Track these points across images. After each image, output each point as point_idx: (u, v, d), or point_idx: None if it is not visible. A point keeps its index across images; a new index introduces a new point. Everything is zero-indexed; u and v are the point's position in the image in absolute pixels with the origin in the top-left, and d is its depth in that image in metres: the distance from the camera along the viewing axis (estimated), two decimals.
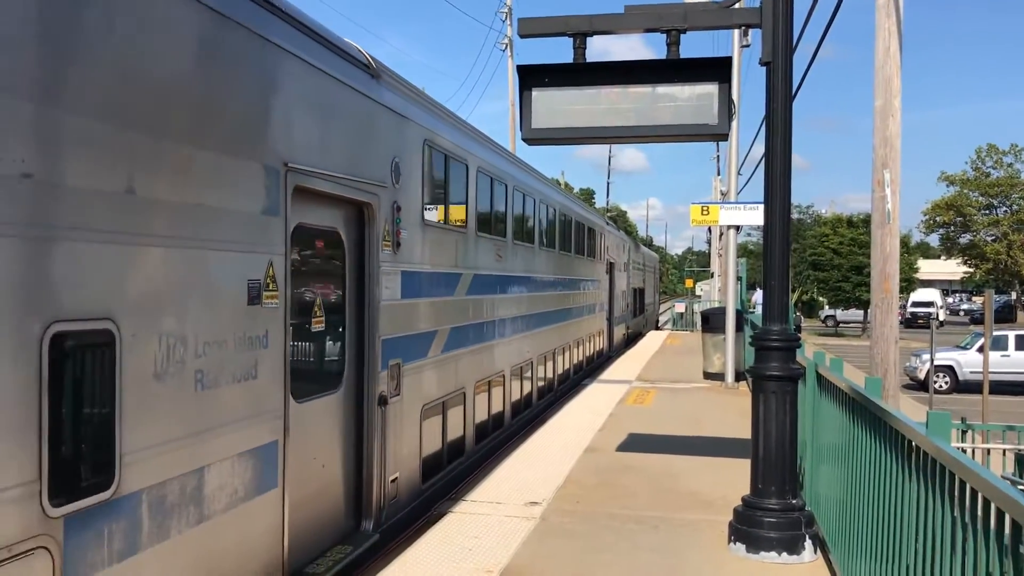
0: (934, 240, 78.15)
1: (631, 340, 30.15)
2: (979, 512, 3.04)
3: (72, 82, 3.90)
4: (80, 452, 3.94)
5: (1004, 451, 10.20)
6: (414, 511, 8.05)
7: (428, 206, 8.70)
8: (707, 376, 17.99)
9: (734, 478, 8.28)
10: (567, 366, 17.26)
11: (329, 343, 6.81)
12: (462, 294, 9.86)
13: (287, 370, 5.73)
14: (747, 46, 6.69)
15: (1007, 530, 2.79)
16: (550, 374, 15.53)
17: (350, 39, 6.81)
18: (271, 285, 5.54)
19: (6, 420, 3.49)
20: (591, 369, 20.23)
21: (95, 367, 4.04)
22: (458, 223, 9.97)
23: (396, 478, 7.67)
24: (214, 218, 4.95)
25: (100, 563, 3.97)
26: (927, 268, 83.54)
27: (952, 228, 70.27)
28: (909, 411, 9.50)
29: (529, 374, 13.76)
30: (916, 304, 64.21)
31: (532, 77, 6.96)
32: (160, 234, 4.45)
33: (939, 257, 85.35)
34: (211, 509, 4.92)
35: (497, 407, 11.72)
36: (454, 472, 9.56)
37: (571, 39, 6.88)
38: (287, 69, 5.83)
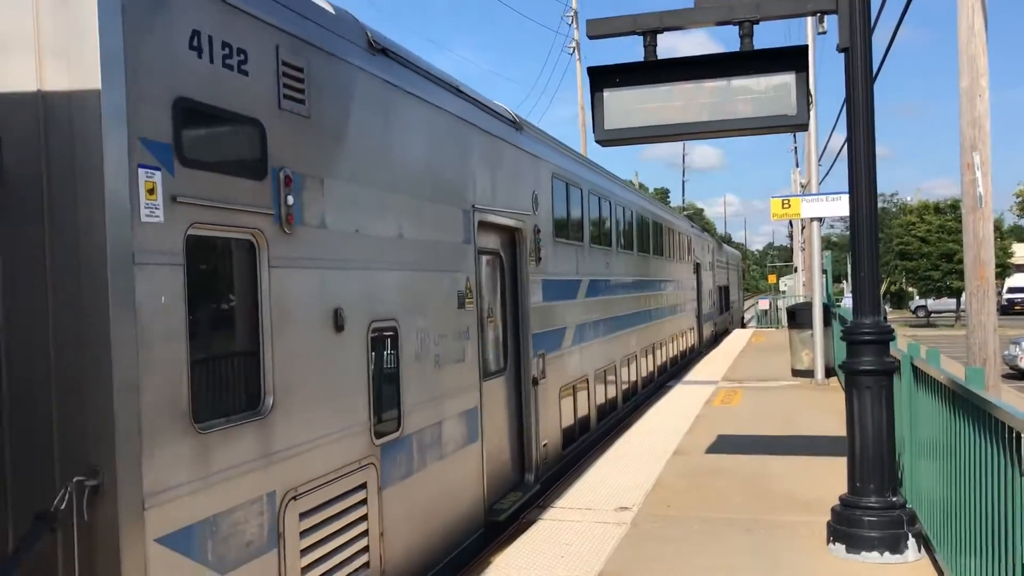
0: None
1: (718, 336, 30.87)
2: None
3: (395, 177, 6.22)
4: (386, 407, 5.93)
5: None
6: (558, 471, 9.80)
7: (556, 225, 10.51)
8: (795, 373, 17.60)
9: (829, 478, 8.06)
10: (664, 359, 18.60)
11: (498, 337, 8.67)
12: (582, 297, 11.64)
13: (480, 356, 7.78)
14: (823, 33, 6.48)
15: None
16: (651, 366, 16.97)
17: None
18: (469, 294, 7.55)
19: (355, 384, 5.53)
20: (685, 363, 21.27)
21: (388, 351, 6.01)
22: (576, 238, 11.63)
23: (546, 443, 9.54)
24: (440, 250, 7.01)
25: (397, 477, 6.04)
26: (1022, 253, 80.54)
27: None
28: (1013, 401, 9.09)
29: (636, 365, 15.30)
30: (1012, 290, 61.83)
31: (603, 78, 6.91)
32: (415, 264, 6.52)
33: None
34: (445, 451, 6.91)
35: (612, 392, 13.30)
36: (583, 444, 11.22)
37: (641, 38, 6.81)
38: (475, 138, 7.88)
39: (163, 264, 3.89)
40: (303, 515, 4.84)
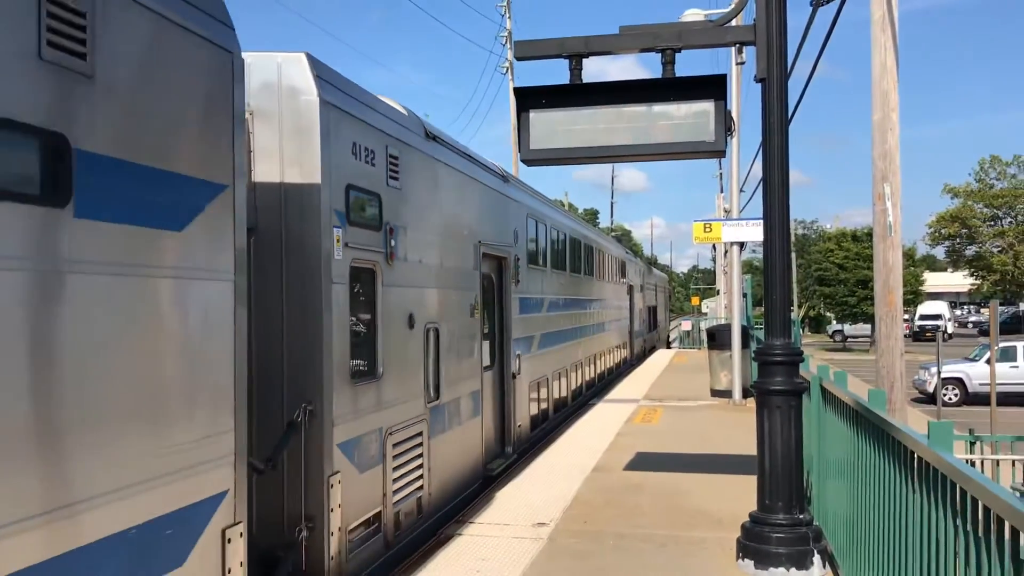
0: (940, 253, 78.03)
1: (647, 352, 34.10)
2: (980, 521, 3.04)
3: (438, 223, 8.69)
4: (432, 382, 8.32)
5: (1013, 462, 10.14)
6: (527, 448, 12.29)
7: (529, 254, 13.02)
8: (714, 393, 17.96)
9: (742, 495, 8.25)
10: (604, 367, 21.59)
11: (490, 340, 10.93)
12: (544, 311, 14.19)
13: (481, 353, 10.22)
14: (742, 63, 6.71)
15: (1007, 537, 2.79)
16: (594, 372, 19.79)
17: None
18: (476, 307, 9.98)
19: (419, 364, 7.98)
20: (619, 372, 24.27)
21: (433, 344, 8.40)
22: (541, 264, 14.23)
23: (520, 425, 12.08)
24: (460, 275, 9.43)
25: (437, 432, 8.48)
26: (934, 281, 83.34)
27: (958, 240, 70.09)
28: (916, 424, 9.39)
29: (582, 370, 18.06)
30: (924, 317, 64.01)
31: (529, 99, 7.02)
32: (449, 284, 8.98)
33: (946, 270, 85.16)
34: (463, 419, 9.43)
35: (565, 390, 15.91)
36: (545, 429, 13.79)
37: (567, 61, 6.94)
38: (480, 191, 10.41)
39: (341, 284, 6.42)
40: (394, 445, 7.34)
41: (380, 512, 7.03)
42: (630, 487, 9.40)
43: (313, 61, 6.28)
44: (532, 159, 7.06)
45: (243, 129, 5.03)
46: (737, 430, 13.16)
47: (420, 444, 7.95)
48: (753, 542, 6.44)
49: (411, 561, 7.12)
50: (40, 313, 3.40)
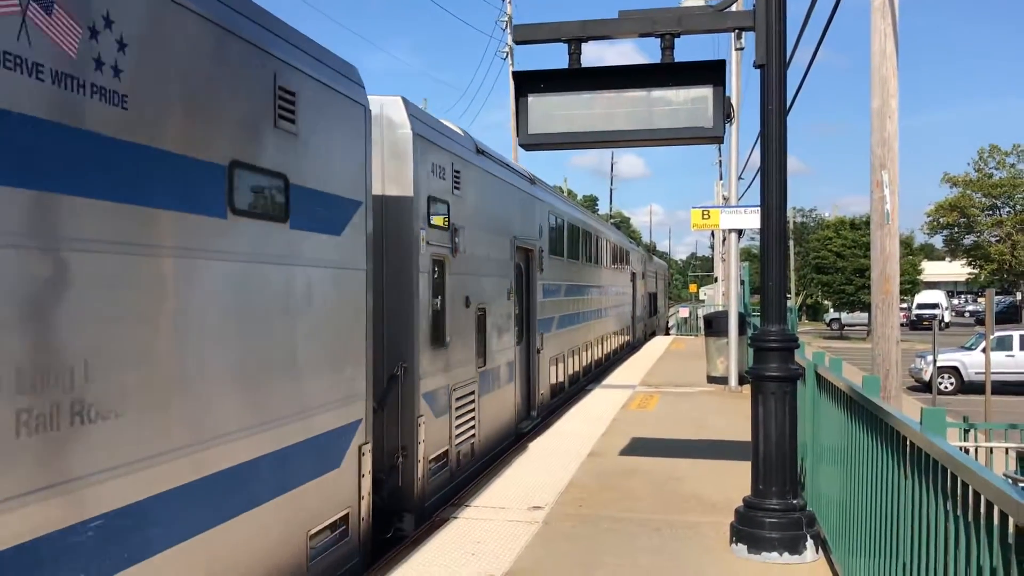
0: (938, 242, 78.06)
1: (648, 336, 36.06)
2: (971, 506, 3.06)
3: (486, 222, 10.67)
4: (480, 351, 10.23)
5: (1007, 449, 10.19)
6: (547, 414, 14.12)
7: (550, 246, 15.01)
8: (711, 380, 18.00)
9: (737, 480, 8.30)
10: (611, 347, 23.65)
11: (519, 320, 12.65)
12: (562, 296, 16.16)
13: (514, 329, 12.07)
14: (741, 49, 6.69)
15: (996, 522, 2.81)
16: (603, 351, 21.90)
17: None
18: (511, 291, 11.82)
19: (472, 336, 9.87)
20: (623, 354, 26.08)
21: (482, 322, 10.29)
22: (560, 254, 16.13)
23: (542, 393, 14.04)
24: (500, 264, 11.35)
25: (484, 392, 10.41)
26: (932, 270, 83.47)
27: (956, 229, 70.12)
28: (911, 411, 9.38)
29: (592, 348, 20.07)
30: (921, 306, 64.14)
31: (528, 83, 7.00)
32: (492, 273, 10.86)
33: (943, 259, 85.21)
34: (501, 384, 11.34)
35: (577, 367, 17.85)
36: (560, 398, 15.55)
37: (566, 45, 6.92)
38: (514, 194, 12.42)
39: (425, 273, 8.32)
40: (456, 399, 9.32)
41: (447, 450, 9.07)
42: (625, 472, 9.44)
43: (406, 102, 8.26)
44: (530, 144, 7.05)
45: (369, 158, 6.97)
46: (732, 416, 13.20)
47: (473, 400, 9.98)
48: (747, 527, 6.48)
49: (410, 541, 7.16)
50: (275, 292, 5.47)
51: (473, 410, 9.94)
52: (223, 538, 4.81)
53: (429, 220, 8.39)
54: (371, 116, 6.95)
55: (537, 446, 11.09)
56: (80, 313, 3.75)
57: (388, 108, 8.09)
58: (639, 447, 10.87)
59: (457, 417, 9.33)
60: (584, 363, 18.68)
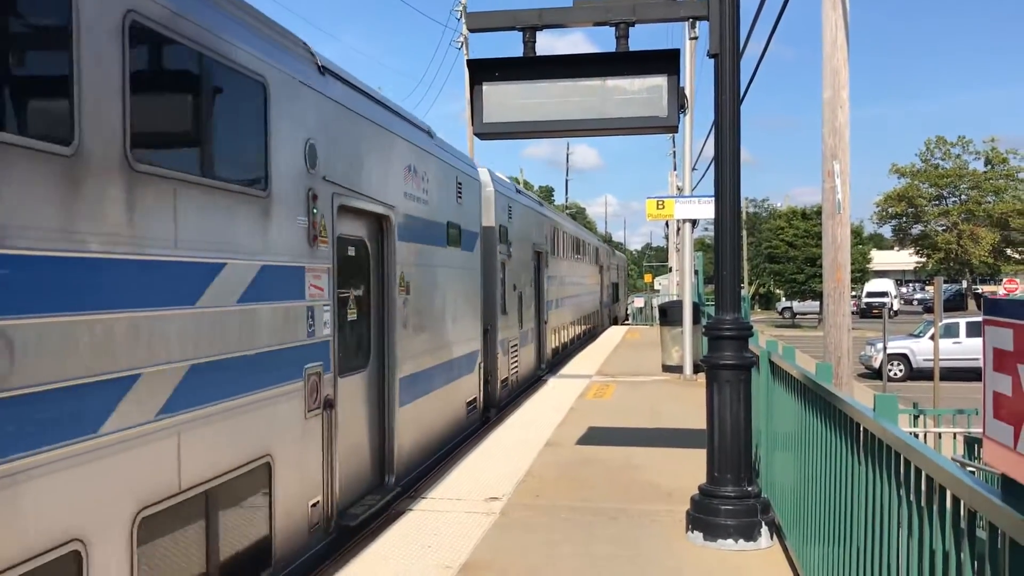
0: (887, 232, 79.44)
1: (613, 319, 42.13)
2: (923, 491, 3.09)
3: (521, 239, 16.73)
4: (519, 320, 15.97)
5: (954, 434, 10.39)
6: (552, 366, 19.64)
7: (552, 248, 20.45)
8: (666, 369, 18.12)
9: (692, 468, 8.33)
10: (588, 325, 29.90)
11: (537, 301, 18.13)
12: (558, 285, 21.85)
13: (534, 306, 17.83)
14: (695, 38, 6.71)
15: (948, 506, 2.84)
16: (583, 327, 28.17)
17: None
18: (532, 281, 17.47)
19: (516, 311, 15.68)
20: (595, 331, 31.81)
21: (520, 301, 16.07)
22: (558, 254, 21.83)
23: (548, 352, 19.71)
24: (527, 263, 17.01)
25: (523, 344, 16.53)
26: (881, 259, 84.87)
27: (904, 219, 71.46)
28: (862, 398, 9.51)
29: (576, 324, 26.27)
30: (870, 294, 65.19)
31: (482, 71, 6.95)
32: (524, 269, 16.51)
33: (892, 248, 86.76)
34: (530, 341, 17.31)
35: (567, 336, 23.83)
36: (556, 358, 20.90)
37: (521, 34, 6.88)
38: (534, 215, 18.29)
39: (501, 271, 14.15)
40: (510, 347, 14.89)
41: (507, 377, 14.63)
42: (582, 461, 9.45)
43: (490, 172, 14.04)
44: (485, 132, 7.00)
45: (480, 207, 12.83)
46: (687, 404, 13.30)
47: (517, 349, 15.66)
48: (702, 514, 6.52)
49: (366, 534, 7.09)
50: (457, 280, 11.16)
51: (517, 356, 15.61)
52: (446, 392, 10.60)
53: (500, 238, 14.09)
54: (480, 184, 12.91)
55: (495, 437, 11.07)
56: (440, 289, 10.27)
57: (482, 175, 13.41)
58: (596, 436, 10.90)
59: (511, 358, 15.02)
60: (571, 335, 24.90)
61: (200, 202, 4.98)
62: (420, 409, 9.30)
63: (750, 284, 69.63)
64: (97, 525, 4.06)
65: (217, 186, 5.20)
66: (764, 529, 6.40)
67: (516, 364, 15.40)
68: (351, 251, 7.54)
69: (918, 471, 3.15)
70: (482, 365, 12.50)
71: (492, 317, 13.33)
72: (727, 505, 6.44)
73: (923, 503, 3.08)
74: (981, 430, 2.62)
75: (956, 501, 2.78)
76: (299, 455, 6.26)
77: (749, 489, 6.52)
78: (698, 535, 6.49)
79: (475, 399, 12.16)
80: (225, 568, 5.27)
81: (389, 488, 8.20)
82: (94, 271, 4.11)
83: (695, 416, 11.54)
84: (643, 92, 6.67)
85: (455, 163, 11.13)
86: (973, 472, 7.85)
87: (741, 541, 6.34)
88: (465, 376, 11.43)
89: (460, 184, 11.15)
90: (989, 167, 68.74)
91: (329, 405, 6.75)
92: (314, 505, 6.53)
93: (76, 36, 3.95)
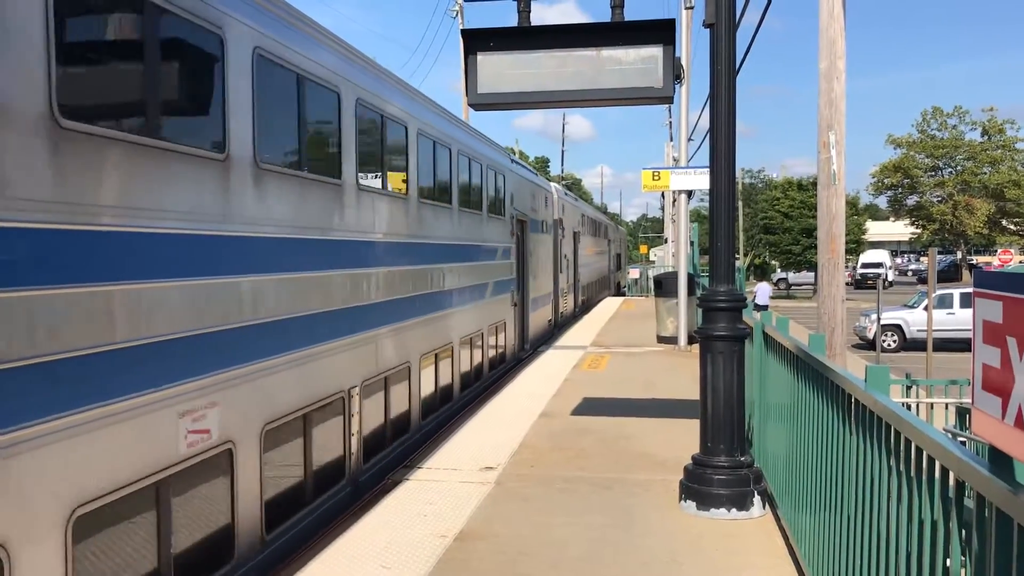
0: (883, 202, 79.39)
1: (617, 285, 48.52)
2: (913, 461, 3.12)
3: (541, 224, 22.49)
4: (555, 282, 23.27)
5: (947, 405, 10.46)
6: (564, 325, 23.74)
7: (582, 229, 29.84)
8: (660, 340, 18.18)
9: (686, 438, 8.40)
10: (602, 289, 38.43)
11: (574, 266, 27.41)
12: (585, 259, 30.14)
13: (574, 271, 27.45)
14: (691, 8, 6.68)
15: (937, 476, 2.87)
16: (598, 290, 35.72)
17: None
18: (573, 251, 26.95)
19: (550, 276, 22.25)
20: (606, 294, 39.47)
21: (575, 267, 27.68)
22: (585, 232, 30.20)
23: (562, 312, 23.70)
24: (571, 240, 26.60)
25: (564, 294, 24.79)
26: (876, 230, 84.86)
27: (899, 190, 71.35)
28: (855, 369, 9.62)
29: (594, 288, 33.84)
30: (865, 265, 65.22)
31: (477, 41, 6.91)
32: (571, 245, 26.87)
33: (888, 219, 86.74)
34: (542, 306, 20.42)
35: (590, 292, 31.23)
36: (574, 313, 26.60)
37: (516, 3, 6.83)
38: (572, 207, 28.40)
39: (561, 245, 23.57)
40: (564, 293, 24.25)
41: (562, 310, 23.12)
42: (577, 431, 9.51)
43: (556, 187, 23.98)
44: (480, 103, 6.98)
45: (553, 208, 22.46)
46: (682, 375, 13.36)
47: (567, 294, 24.26)
48: (695, 484, 6.57)
49: (362, 503, 7.15)
50: (541, 252, 20.17)
51: (567, 297, 23.16)
52: (541, 311, 19.82)
53: (559, 226, 21.93)
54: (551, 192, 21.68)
55: (489, 408, 11.13)
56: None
57: (554, 189, 22.07)
58: (590, 407, 10.95)
59: (564, 298, 21.75)
60: (592, 292, 33.03)
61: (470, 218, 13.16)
62: (535, 316, 18.55)
63: (745, 255, 69.69)
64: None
65: (472, 212, 13.21)
66: (756, 498, 6.46)
67: (566, 302, 24.49)
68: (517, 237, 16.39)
69: (908, 442, 3.17)
70: (553, 300, 21.43)
71: (556, 273, 22.05)
72: (720, 475, 6.49)
73: (912, 473, 3.11)
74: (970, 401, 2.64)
75: (945, 472, 2.81)
76: (510, 322, 15.99)
77: (742, 459, 6.57)
78: (691, 504, 6.55)
79: (551, 319, 21.28)
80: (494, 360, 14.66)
81: (526, 351, 17.28)
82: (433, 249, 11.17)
83: (689, 387, 11.61)
84: (638, 62, 6.64)
85: (543, 185, 21.60)
86: (964, 442, 7.91)
87: (734, 510, 6.40)
88: (546, 305, 20.62)
89: (545, 197, 21.00)
90: (986, 138, 68.60)
91: (515, 304, 16.32)
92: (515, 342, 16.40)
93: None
